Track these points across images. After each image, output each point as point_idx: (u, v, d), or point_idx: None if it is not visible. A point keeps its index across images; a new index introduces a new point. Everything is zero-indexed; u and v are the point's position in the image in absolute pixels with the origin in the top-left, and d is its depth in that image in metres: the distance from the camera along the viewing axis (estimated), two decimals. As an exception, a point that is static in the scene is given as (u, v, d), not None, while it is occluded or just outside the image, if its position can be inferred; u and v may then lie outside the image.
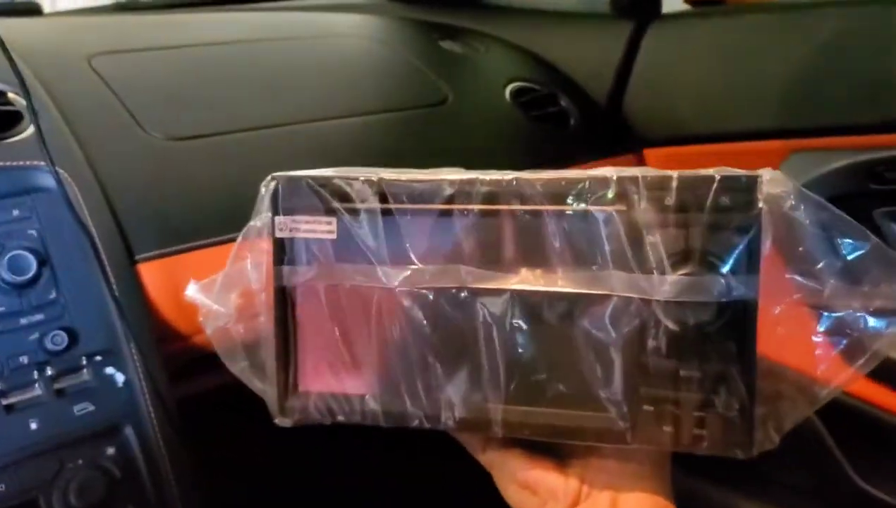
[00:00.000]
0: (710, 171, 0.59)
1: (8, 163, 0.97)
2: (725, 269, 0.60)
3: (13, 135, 1.01)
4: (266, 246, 0.71)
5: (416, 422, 0.69)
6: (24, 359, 0.93)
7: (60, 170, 0.99)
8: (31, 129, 1.02)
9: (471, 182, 0.65)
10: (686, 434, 0.62)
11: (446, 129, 1.42)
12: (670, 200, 0.60)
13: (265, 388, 0.73)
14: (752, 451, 0.62)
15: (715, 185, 0.59)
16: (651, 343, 0.62)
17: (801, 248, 0.59)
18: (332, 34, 1.62)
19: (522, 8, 1.93)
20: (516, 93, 1.59)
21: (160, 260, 1.02)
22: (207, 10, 1.70)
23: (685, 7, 1.77)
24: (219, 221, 1.08)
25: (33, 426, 0.89)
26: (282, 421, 0.73)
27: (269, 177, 0.70)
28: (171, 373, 1.00)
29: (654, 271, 0.60)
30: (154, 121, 1.16)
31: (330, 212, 0.68)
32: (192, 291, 0.75)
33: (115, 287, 0.96)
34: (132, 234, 1.01)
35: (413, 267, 0.66)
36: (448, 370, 0.67)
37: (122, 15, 1.66)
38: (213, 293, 0.73)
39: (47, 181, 0.98)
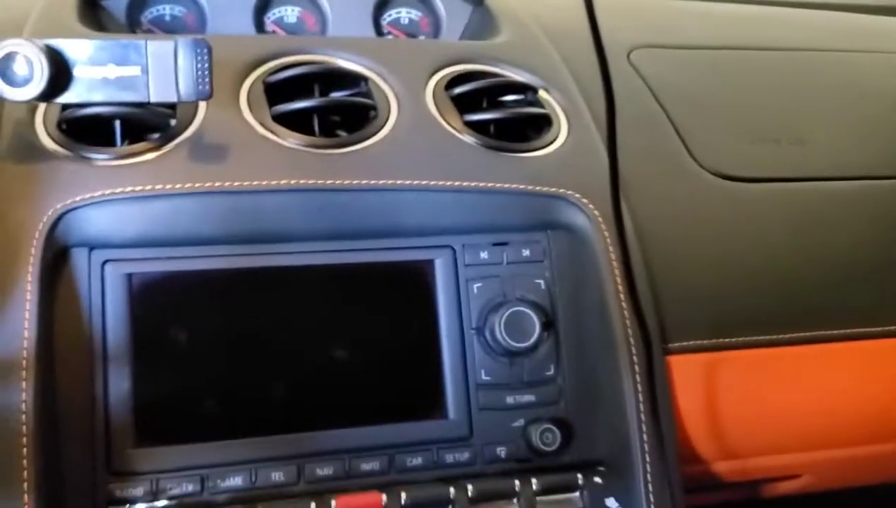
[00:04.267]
0: None
1: (529, 188, 0.72)
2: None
3: (538, 148, 0.76)
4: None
5: None
6: (502, 452, 0.69)
7: (590, 206, 0.72)
8: (560, 142, 0.78)
9: None
10: None
11: None
12: None
13: None
14: None
15: None
16: None
17: None
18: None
19: None
20: None
21: (700, 356, 0.72)
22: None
23: None
24: (777, 314, 0.75)
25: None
26: None
27: None
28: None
29: None
30: (707, 150, 0.85)
31: None
32: None
33: (638, 378, 0.68)
34: (670, 311, 0.72)
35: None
36: None
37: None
38: None
39: (573, 217, 0.73)
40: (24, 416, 0.57)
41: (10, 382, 0.58)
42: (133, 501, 0.62)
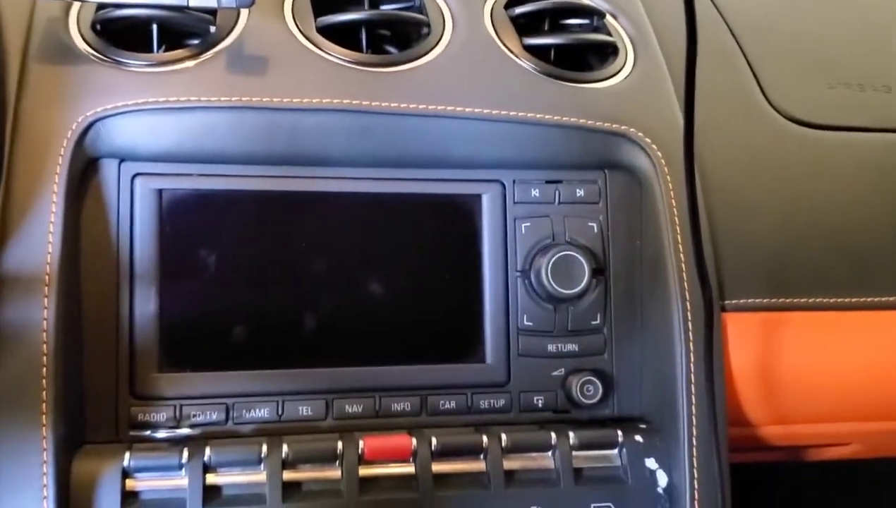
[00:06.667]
0: None
1: (589, 122, 0.67)
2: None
3: (601, 79, 0.71)
4: None
5: None
6: (539, 401, 0.66)
7: (654, 147, 0.67)
8: (625, 74, 0.72)
9: None
10: None
11: None
12: None
13: None
14: None
15: None
16: None
17: None
18: None
19: None
20: None
21: (757, 314, 0.67)
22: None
23: None
24: (846, 276, 0.70)
25: (530, 515, 0.62)
26: None
27: None
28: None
29: None
30: (782, 92, 0.78)
31: None
32: None
33: (691, 336, 0.64)
34: (729, 265, 0.67)
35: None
36: None
37: None
38: None
39: (634, 157, 0.68)
40: (44, 334, 0.55)
41: (32, 297, 0.55)
42: (156, 426, 0.60)
